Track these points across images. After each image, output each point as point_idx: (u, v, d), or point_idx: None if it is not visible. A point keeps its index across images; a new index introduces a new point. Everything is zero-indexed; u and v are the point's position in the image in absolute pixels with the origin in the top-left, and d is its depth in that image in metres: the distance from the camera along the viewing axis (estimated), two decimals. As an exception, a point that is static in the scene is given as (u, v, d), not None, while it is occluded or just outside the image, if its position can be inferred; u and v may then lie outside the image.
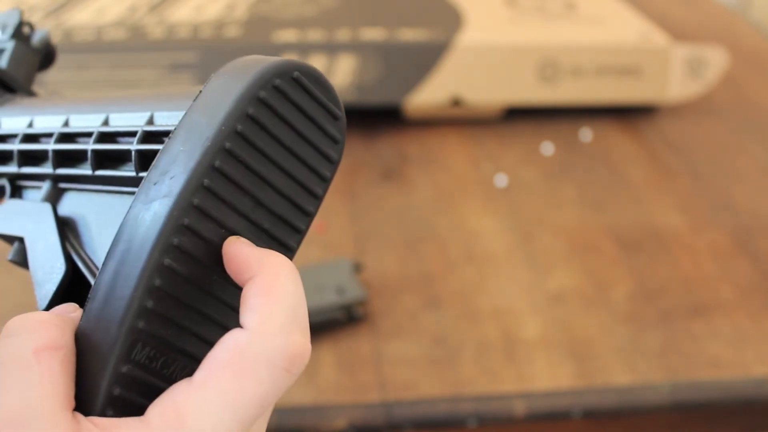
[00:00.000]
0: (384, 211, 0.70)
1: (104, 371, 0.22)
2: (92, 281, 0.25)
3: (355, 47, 0.80)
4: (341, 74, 0.80)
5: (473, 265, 0.63)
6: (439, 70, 0.81)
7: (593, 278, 0.62)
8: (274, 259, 0.24)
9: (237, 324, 0.23)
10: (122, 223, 0.23)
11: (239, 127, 0.23)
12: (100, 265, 0.23)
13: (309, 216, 0.27)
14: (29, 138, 0.31)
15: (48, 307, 0.26)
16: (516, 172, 0.77)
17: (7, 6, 0.91)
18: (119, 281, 0.22)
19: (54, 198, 0.30)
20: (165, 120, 0.26)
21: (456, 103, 0.83)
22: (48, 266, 0.27)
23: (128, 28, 0.83)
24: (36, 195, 0.30)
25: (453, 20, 0.87)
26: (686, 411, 0.52)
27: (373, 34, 0.82)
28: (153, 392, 0.23)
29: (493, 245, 0.66)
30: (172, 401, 0.22)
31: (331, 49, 0.80)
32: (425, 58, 0.81)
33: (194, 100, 0.24)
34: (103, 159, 0.28)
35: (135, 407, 0.22)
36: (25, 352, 0.21)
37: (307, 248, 0.63)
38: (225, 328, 0.24)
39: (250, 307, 0.23)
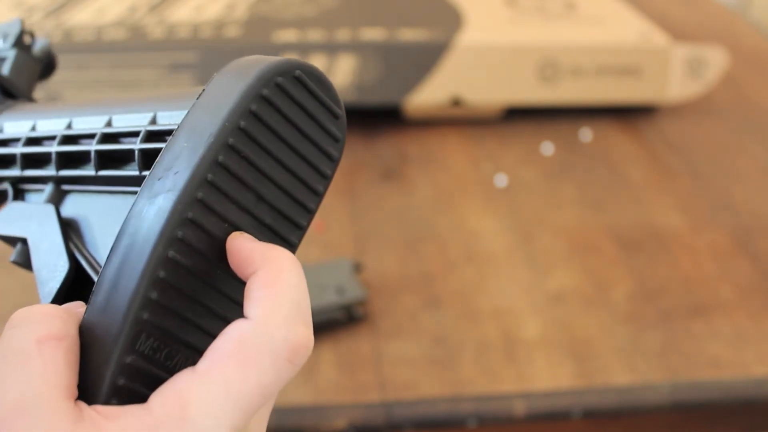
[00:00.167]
0: (384, 211, 0.70)
1: (109, 361, 0.22)
2: (96, 278, 0.25)
3: (355, 47, 0.80)
4: (341, 74, 0.80)
5: (473, 265, 0.63)
6: (439, 70, 0.81)
7: (593, 278, 0.62)
8: (277, 253, 0.24)
9: (239, 317, 0.23)
10: (126, 218, 0.23)
11: (242, 124, 0.24)
12: (103, 264, 0.24)
13: (310, 212, 0.27)
14: (32, 141, 0.31)
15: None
16: (516, 172, 0.77)
17: (7, 6, 0.91)
18: (124, 273, 0.22)
19: (57, 200, 0.30)
20: (168, 119, 0.27)
21: (456, 103, 0.83)
22: (51, 265, 0.27)
23: (128, 28, 0.83)
24: (38, 198, 0.31)
25: (453, 20, 0.87)
26: (686, 411, 0.52)
27: (373, 34, 0.82)
28: (156, 383, 0.23)
29: (493, 245, 0.66)
30: (175, 389, 0.22)
31: (331, 49, 0.80)
32: (425, 58, 0.81)
33: (197, 99, 0.25)
34: (106, 159, 0.28)
35: (139, 397, 0.23)
36: (28, 343, 0.22)
37: (307, 248, 0.63)
38: (227, 321, 0.24)
39: (254, 300, 0.23)
